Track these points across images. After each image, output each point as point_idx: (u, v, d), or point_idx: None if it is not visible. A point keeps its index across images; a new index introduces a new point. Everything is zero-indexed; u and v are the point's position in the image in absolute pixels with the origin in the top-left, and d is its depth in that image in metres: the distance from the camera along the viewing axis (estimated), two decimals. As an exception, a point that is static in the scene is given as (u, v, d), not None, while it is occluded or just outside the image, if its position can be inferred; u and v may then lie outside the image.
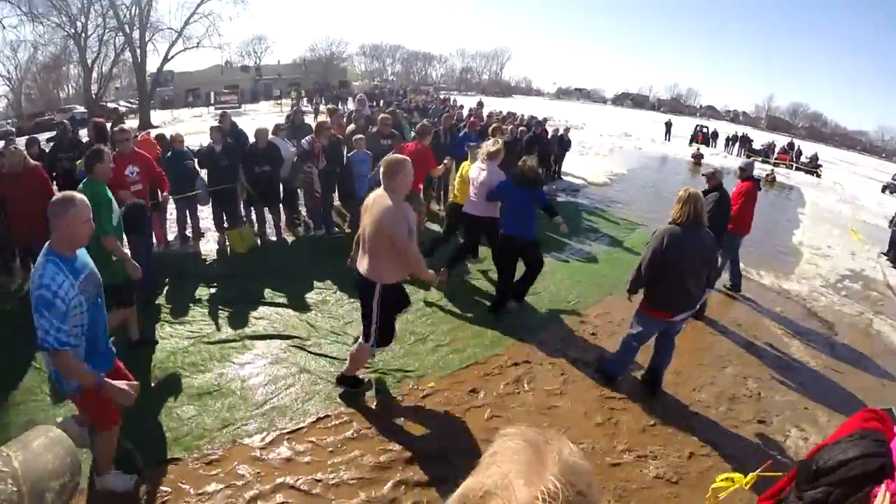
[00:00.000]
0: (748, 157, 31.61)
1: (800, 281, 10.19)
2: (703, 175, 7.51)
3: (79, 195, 3.00)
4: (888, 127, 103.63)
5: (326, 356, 5.27)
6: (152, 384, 4.68)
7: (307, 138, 8.40)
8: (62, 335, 2.78)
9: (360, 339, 4.55)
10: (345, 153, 8.82)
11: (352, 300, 6.42)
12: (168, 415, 4.31)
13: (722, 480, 3.17)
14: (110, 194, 4.68)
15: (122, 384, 3.03)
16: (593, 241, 10.18)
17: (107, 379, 2.99)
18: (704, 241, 4.75)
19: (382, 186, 4.20)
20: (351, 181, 8.66)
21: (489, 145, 6.88)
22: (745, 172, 8.13)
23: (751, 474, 3.08)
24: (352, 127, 10.11)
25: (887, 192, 31.40)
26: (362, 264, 4.31)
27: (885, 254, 13.93)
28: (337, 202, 9.65)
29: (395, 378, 4.98)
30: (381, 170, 4.20)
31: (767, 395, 5.68)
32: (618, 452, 4.41)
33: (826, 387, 6.10)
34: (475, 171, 6.85)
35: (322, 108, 28.34)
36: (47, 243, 2.89)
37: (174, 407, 4.40)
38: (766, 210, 17.51)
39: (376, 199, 4.21)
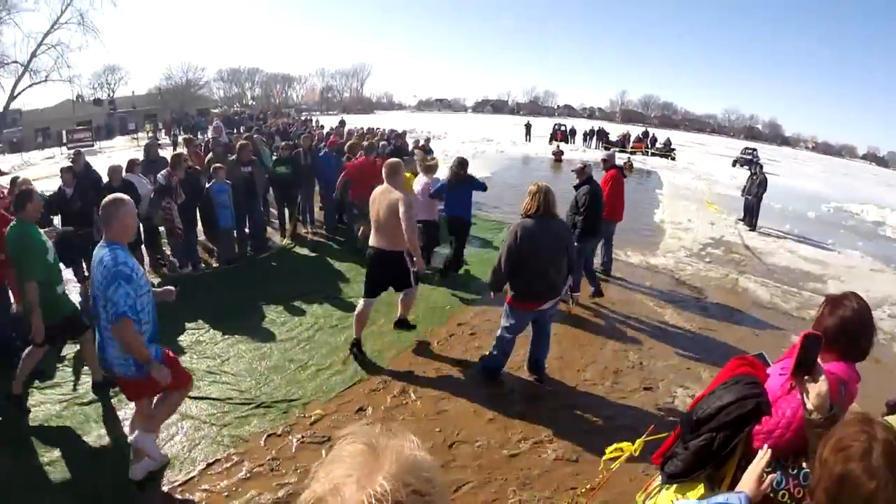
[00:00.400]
0: (606, 149, 34.09)
1: (665, 255, 10.90)
2: (572, 171, 7.84)
3: (125, 196, 3.60)
4: (734, 109, 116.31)
5: (207, 398, 4.94)
6: (27, 457, 4.17)
7: (163, 172, 7.92)
8: (138, 305, 3.32)
9: (406, 293, 5.87)
10: (204, 184, 8.46)
11: (226, 337, 6.12)
12: (51, 488, 3.86)
13: (612, 451, 3.24)
14: (43, 237, 4.66)
15: (164, 370, 3.54)
16: (464, 245, 10.31)
17: (155, 361, 3.50)
18: (556, 230, 5.01)
19: (386, 183, 5.39)
20: (213, 212, 8.32)
21: (425, 161, 9.05)
22: (608, 163, 8.76)
23: (637, 441, 3.16)
24: (210, 156, 9.70)
25: (737, 165, 34.83)
26: (382, 243, 5.42)
27: (741, 220, 15.45)
28: (202, 236, 9.22)
29: (280, 410, 4.77)
30: (385, 171, 5.43)
31: (649, 363, 6.00)
32: (514, 443, 4.48)
33: (703, 345, 6.55)
34: (418, 183, 8.47)
35: (180, 138, 27.17)
36: (103, 239, 3.47)
37: (56, 479, 3.94)
38: (627, 195, 18.37)
39: (383, 192, 5.39)
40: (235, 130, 21.58)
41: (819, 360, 2.05)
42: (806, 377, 1.89)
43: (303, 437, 4.41)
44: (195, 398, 4.94)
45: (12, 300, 6.21)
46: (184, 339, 6.10)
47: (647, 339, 6.68)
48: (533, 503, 3.85)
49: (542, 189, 4.97)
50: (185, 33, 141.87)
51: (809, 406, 1.85)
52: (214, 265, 8.72)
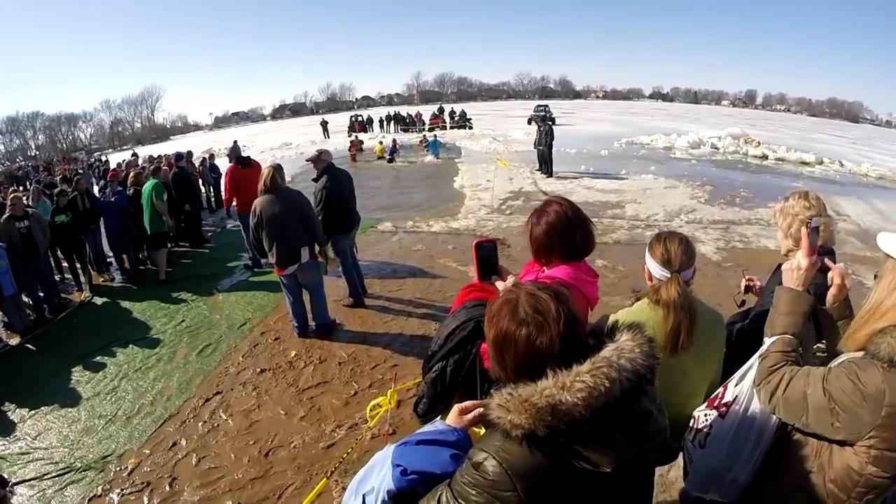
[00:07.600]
0: (404, 131, 37.38)
1: (467, 216, 11.58)
2: (307, 160, 7.75)
3: None
4: (525, 73, 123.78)
5: (23, 481, 4.67)
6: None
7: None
8: None
9: None
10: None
11: (33, 412, 5.70)
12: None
13: (371, 410, 3.40)
14: None
15: None
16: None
17: None
18: (287, 201, 5.83)
19: None
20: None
21: None
22: (231, 156, 9.14)
23: (389, 392, 3.34)
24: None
25: (532, 123, 36.74)
26: None
27: (538, 170, 16.74)
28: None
29: (97, 469, 4.63)
30: None
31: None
32: (329, 434, 4.71)
33: (513, 290, 7.06)
34: None
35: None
36: None
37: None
38: (428, 170, 19.60)
39: None
40: (22, 186, 19.82)
41: (543, 266, 2.36)
42: (493, 278, 2.11)
43: (122, 490, 4.36)
44: (14, 485, 4.65)
45: None
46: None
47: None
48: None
49: (269, 169, 5.90)
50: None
51: None
52: (11, 341, 7.92)
